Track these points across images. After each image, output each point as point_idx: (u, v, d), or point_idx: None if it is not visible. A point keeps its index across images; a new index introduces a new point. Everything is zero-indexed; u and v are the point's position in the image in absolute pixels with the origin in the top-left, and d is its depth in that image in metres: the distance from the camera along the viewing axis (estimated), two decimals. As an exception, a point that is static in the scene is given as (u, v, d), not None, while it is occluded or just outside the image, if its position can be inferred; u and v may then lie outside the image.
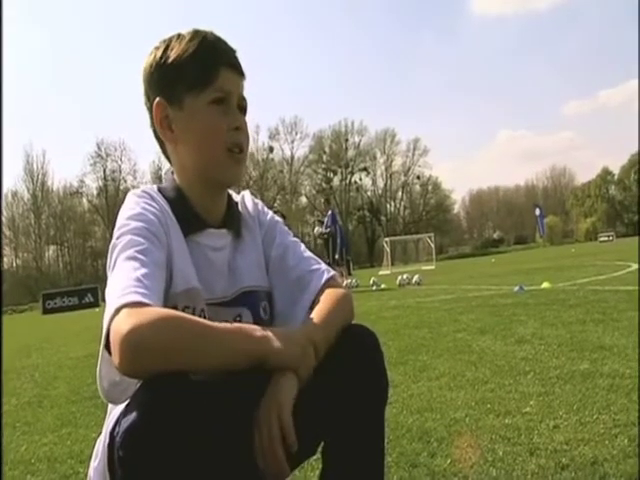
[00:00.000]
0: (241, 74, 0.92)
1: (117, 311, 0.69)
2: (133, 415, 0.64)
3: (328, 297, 0.90)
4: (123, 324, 0.66)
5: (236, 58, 0.91)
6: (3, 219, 46.86)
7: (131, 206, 0.85)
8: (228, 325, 0.75)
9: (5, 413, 2.83)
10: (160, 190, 0.91)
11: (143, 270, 0.75)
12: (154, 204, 0.86)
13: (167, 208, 0.87)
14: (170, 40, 0.90)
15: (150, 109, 0.90)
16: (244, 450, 0.74)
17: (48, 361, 4.91)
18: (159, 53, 0.89)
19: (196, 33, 0.89)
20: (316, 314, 0.86)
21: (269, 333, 0.76)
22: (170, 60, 0.87)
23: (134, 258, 0.76)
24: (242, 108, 0.91)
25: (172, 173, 0.94)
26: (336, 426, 0.80)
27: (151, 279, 0.74)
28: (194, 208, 0.90)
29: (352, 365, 0.80)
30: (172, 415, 0.64)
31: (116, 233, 0.82)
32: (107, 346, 0.70)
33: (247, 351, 0.73)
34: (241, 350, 0.73)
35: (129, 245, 0.78)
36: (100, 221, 49.23)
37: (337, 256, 10.49)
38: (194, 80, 0.86)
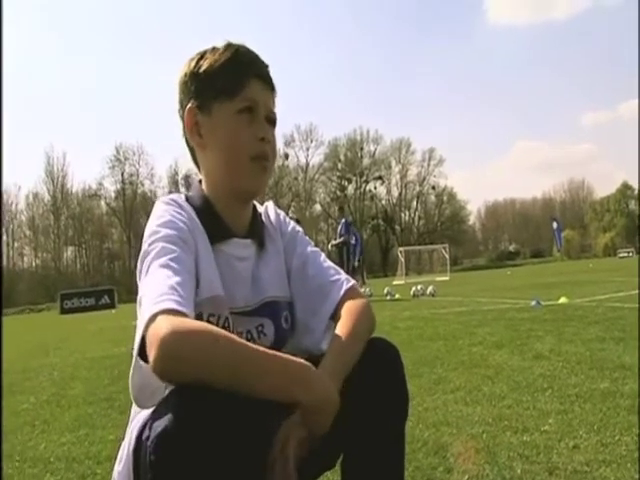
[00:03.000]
0: (272, 88, 0.93)
1: (154, 317, 0.69)
2: (166, 420, 0.64)
3: (350, 313, 0.90)
4: (162, 328, 0.67)
5: (267, 72, 0.93)
6: (23, 219, 47.87)
7: (160, 214, 0.86)
8: (269, 352, 0.73)
9: (24, 411, 2.88)
10: (187, 199, 0.92)
11: (177, 278, 0.76)
12: (182, 212, 0.87)
13: (194, 216, 0.89)
14: (205, 52, 0.93)
15: (182, 117, 0.93)
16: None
17: (65, 361, 4.98)
18: (193, 63, 0.92)
19: (229, 45, 0.92)
20: (340, 337, 0.85)
21: (306, 374, 0.74)
22: (202, 69, 0.90)
23: (167, 266, 0.77)
24: (271, 121, 0.93)
25: (199, 182, 0.95)
26: (356, 439, 0.80)
27: (184, 287, 0.75)
28: (221, 217, 0.92)
29: (374, 379, 0.81)
30: (205, 423, 0.64)
31: (147, 240, 0.82)
32: (140, 353, 0.71)
33: (283, 389, 0.72)
34: (278, 386, 0.71)
35: (162, 253, 0.79)
36: (117, 224, 49.99)
37: (356, 263, 10.62)
38: (223, 88, 0.89)
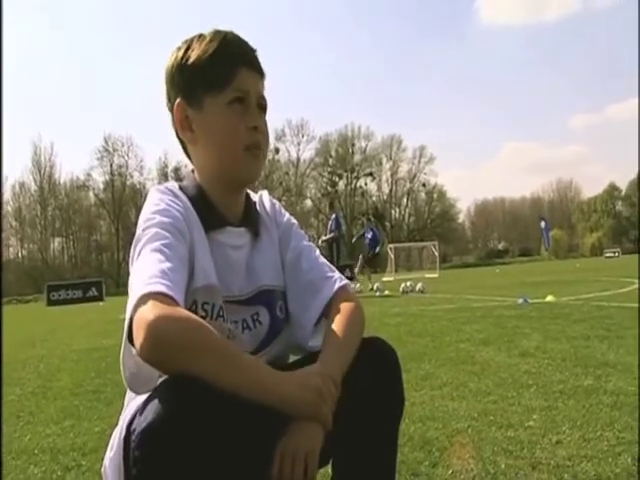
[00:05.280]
0: (260, 73, 0.92)
1: (142, 299, 0.69)
2: (152, 414, 0.63)
3: (342, 313, 0.90)
4: (149, 312, 0.67)
5: (255, 57, 0.92)
6: (10, 209, 47.15)
7: (156, 202, 0.86)
8: (249, 355, 0.75)
9: (9, 402, 2.85)
10: (181, 188, 0.92)
11: (168, 264, 0.76)
12: (177, 201, 0.87)
13: (189, 205, 0.88)
14: (191, 41, 0.91)
15: (171, 109, 0.91)
16: (261, 469, 0.74)
17: (52, 353, 4.93)
18: (180, 54, 0.90)
19: (216, 34, 0.90)
20: (331, 339, 0.85)
21: (286, 377, 0.74)
22: (190, 62, 0.88)
23: (160, 251, 0.77)
24: (262, 107, 0.92)
25: (192, 172, 0.95)
26: (349, 438, 0.80)
27: (175, 273, 0.75)
28: (215, 206, 0.91)
29: (370, 380, 0.81)
30: (193, 420, 0.63)
31: (142, 226, 0.82)
32: (129, 335, 0.71)
33: (266, 384, 0.71)
34: (260, 380, 0.71)
35: (155, 238, 0.79)
36: (106, 215, 49.45)
37: (371, 254, 11.72)
38: (213, 81, 0.87)
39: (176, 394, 0.65)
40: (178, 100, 0.89)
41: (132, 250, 0.81)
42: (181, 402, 0.64)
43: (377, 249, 11.92)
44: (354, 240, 12.11)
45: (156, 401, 0.65)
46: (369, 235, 11.96)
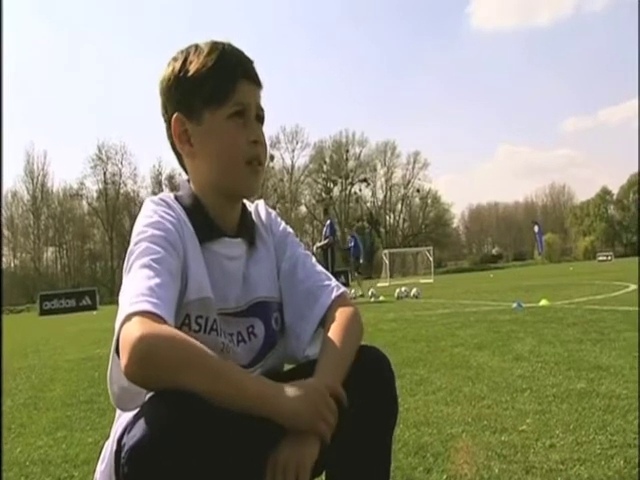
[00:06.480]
0: (258, 84, 0.92)
1: (128, 317, 0.69)
2: (140, 432, 0.62)
3: (341, 320, 0.89)
4: (134, 331, 0.67)
5: (253, 69, 0.91)
6: (2, 219, 46.80)
7: (149, 214, 0.85)
8: (240, 368, 0.75)
9: (0, 414, 2.82)
10: (177, 198, 0.91)
11: (157, 280, 0.75)
12: (171, 212, 0.86)
13: (184, 216, 0.87)
14: (188, 52, 0.89)
15: (168, 121, 0.90)
16: None
17: (44, 363, 4.88)
18: (177, 66, 0.88)
19: (214, 45, 0.89)
20: (328, 350, 0.84)
21: (281, 389, 0.73)
22: (189, 74, 0.87)
23: (149, 266, 0.76)
24: (260, 118, 0.91)
25: (188, 181, 0.94)
26: (344, 446, 0.80)
27: (164, 289, 0.75)
28: (210, 216, 0.90)
29: (365, 388, 0.80)
30: (181, 437, 0.62)
31: (134, 239, 0.82)
32: (117, 350, 0.70)
33: (261, 396, 0.71)
34: (255, 393, 0.70)
35: (145, 252, 0.78)
36: (99, 224, 49.17)
37: (361, 261, 11.86)
38: (213, 95, 0.86)
39: (165, 410, 0.64)
40: (176, 114, 0.88)
41: (125, 263, 0.81)
42: (170, 418, 0.63)
43: (360, 258, 11.96)
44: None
45: (145, 417, 0.64)
46: (351, 244, 12.07)
